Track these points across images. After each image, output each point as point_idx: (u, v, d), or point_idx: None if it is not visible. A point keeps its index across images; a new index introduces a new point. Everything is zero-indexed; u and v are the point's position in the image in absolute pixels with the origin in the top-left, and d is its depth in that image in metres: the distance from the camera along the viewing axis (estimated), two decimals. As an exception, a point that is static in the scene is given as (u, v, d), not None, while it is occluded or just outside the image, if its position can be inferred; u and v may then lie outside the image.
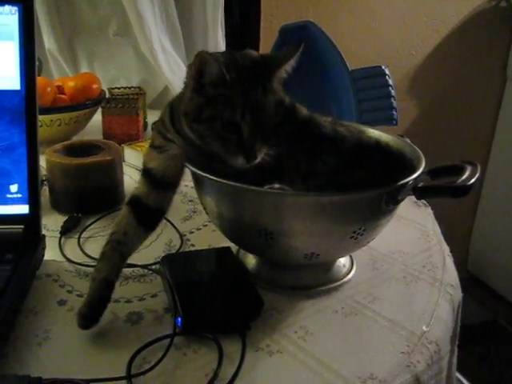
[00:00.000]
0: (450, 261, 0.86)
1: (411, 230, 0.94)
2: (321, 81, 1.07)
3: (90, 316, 0.64)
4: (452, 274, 0.82)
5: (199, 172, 0.67)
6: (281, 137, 0.69)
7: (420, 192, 0.65)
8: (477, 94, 2.23)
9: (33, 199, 0.78)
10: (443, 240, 0.92)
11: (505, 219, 2.34)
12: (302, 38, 1.07)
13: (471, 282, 2.53)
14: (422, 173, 0.70)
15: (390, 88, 1.03)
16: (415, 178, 0.67)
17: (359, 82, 1.03)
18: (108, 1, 1.58)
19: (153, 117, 1.48)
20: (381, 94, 1.03)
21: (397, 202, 0.67)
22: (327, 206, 0.63)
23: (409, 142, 0.83)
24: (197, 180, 0.73)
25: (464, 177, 0.64)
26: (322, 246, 0.68)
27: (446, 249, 0.89)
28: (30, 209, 0.78)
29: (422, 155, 0.73)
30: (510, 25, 2.15)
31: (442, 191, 0.64)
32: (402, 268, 0.82)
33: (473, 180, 0.63)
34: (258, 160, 0.65)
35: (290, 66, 0.67)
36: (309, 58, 1.08)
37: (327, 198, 0.62)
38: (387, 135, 0.81)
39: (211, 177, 0.65)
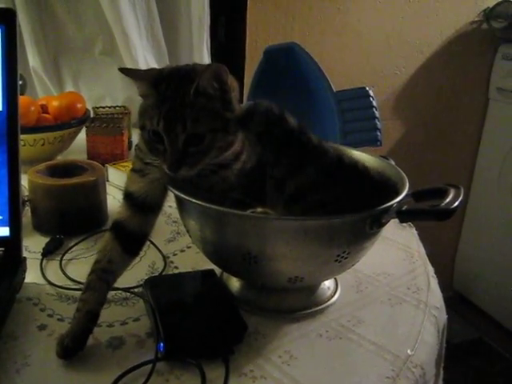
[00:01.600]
0: (434, 282, 0.86)
1: (396, 251, 0.94)
2: (305, 102, 1.07)
3: (72, 348, 0.63)
4: (437, 296, 0.82)
5: (181, 195, 0.67)
6: (266, 146, 0.69)
7: (404, 215, 0.65)
8: (460, 113, 2.25)
9: (14, 221, 0.77)
10: (428, 261, 0.92)
11: (489, 237, 2.35)
12: (287, 59, 1.07)
13: (457, 299, 2.54)
14: (406, 195, 0.70)
15: (374, 109, 1.03)
16: (399, 201, 0.67)
17: (344, 104, 1.03)
18: (94, 19, 1.58)
19: (138, 136, 1.49)
20: (365, 115, 1.04)
21: (381, 225, 0.67)
22: (311, 231, 0.63)
23: (393, 163, 0.83)
24: (179, 202, 0.73)
25: (447, 200, 0.64)
26: (306, 270, 0.68)
27: (431, 270, 0.89)
28: (11, 231, 0.77)
29: (405, 177, 0.73)
30: (492, 46, 2.18)
31: (425, 215, 0.65)
32: (386, 290, 0.82)
33: (456, 203, 0.63)
34: (185, 171, 0.65)
35: (215, 81, 0.66)
36: (293, 79, 1.10)
37: (311, 222, 0.62)
38: (370, 157, 0.82)
39: (194, 200, 0.65)
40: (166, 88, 0.65)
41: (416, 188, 0.71)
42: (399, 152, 2.17)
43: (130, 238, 0.72)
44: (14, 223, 0.77)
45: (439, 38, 2.09)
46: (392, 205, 0.66)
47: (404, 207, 0.66)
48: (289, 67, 1.07)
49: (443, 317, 0.80)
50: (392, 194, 0.70)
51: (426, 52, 2.08)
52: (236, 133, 0.68)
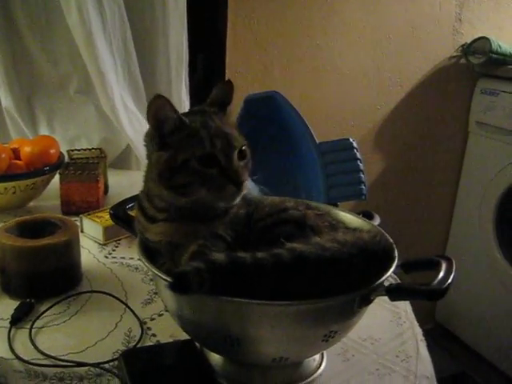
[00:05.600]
0: (423, 347, 0.83)
1: (382, 312, 0.91)
2: (288, 152, 1.04)
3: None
4: (426, 364, 0.79)
5: (158, 273, 0.63)
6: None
7: (394, 294, 0.62)
8: (440, 147, 2.25)
9: (-21, 294, 0.72)
10: (415, 321, 0.89)
11: (471, 269, 2.34)
12: (268, 108, 1.04)
13: (439, 331, 2.52)
14: (396, 266, 0.67)
15: (359, 162, 1.01)
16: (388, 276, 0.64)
17: (327, 156, 1.01)
18: (68, 57, 1.54)
19: (114, 177, 1.45)
20: (349, 168, 1.01)
21: (369, 303, 0.64)
22: (296, 314, 0.59)
23: (378, 221, 0.81)
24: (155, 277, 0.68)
25: (439, 277, 0.62)
26: (291, 351, 0.64)
27: (419, 332, 0.86)
28: (-24, 304, 0.72)
29: (394, 247, 0.70)
30: (470, 80, 2.19)
31: (417, 294, 0.61)
32: (374, 358, 0.78)
33: (448, 281, 0.61)
34: (246, 185, 0.66)
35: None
36: (275, 128, 1.07)
37: (296, 306, 0.58)
38: (358, 220, 0.79)
39: (167, 278, 0.61)
40: (195, 118, 0.68)
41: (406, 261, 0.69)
42: (381, 186, 2.16)
43: None
44: (-20, 296, 0.72)
45: (419, 73, 2.09)
46: (381, 282, 0.63)
47: (394, 284, 0.63)
48: (270, 116, 1.04)
49: (433, 387, 0.77)
50: (380, 260, 0.67)
51: (406, 87, 2.08)
52: None
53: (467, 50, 2.11)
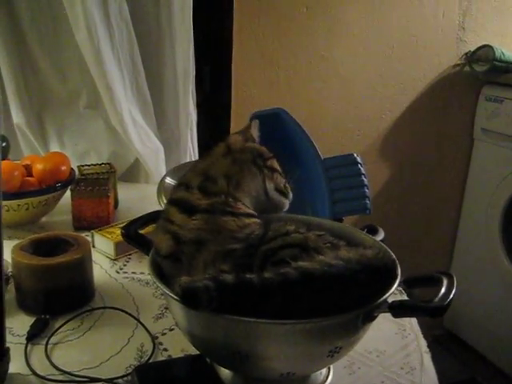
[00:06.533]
0: (427, 359, 0.85)
1: (387, 324, 0.92)
2: (293, 168, 1.06)
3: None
4: (431, 376, 0.81)
5: (167, 292, 0.65)
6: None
7: (397, 311, 0.64)
8: (446, 154, 2.27)
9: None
10: (420, 333, 0.91)
11: (479, 275, 2.35)
12: (273, 125, 1.07)
13: (448, 337, 2.53)
14: (399, 283, 0.69)
15: (363, 177, 1.03)
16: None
17: (331, 171, 1.03)
18: (77, 72, 1.57)
19: (124, 191, 1.48)
20: (353, 183, 1.03)
21: (373, 319, 0.66)
22: (302, 332, 0.61)
23: (382, 236, 0.83)
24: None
25: (440, 294, 0.64)
26: (298, 366, 0.66)
27: (424, 344, 0.88)
28: (-6, 323, 0.75)
29: (397, 263, 0.72)
30: (475, 88, 2.20)
31: (419, 311, 0.64)
32: (379, 371, 0.80)
33: (449, 298, 0.63)
34: None
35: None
36: (280, 145, 1.09)
37: (302, 325, 0.60)
38: (361, 236, 0.81)
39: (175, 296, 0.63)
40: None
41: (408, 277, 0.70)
42: (387, 193, 2.18)
43: None
44: (-3, 315, 0.75)
45: (423, 81, 2.11)
46: (385, 299, 0.65)
47: (396, 301, 0.65)
48: (275, 132, 1.06)
49: (438, 399, 0.79)
50: (383, 276, 0.69)
51: (411, 95, 2.10)
52: None
53: (471, 57, 2.13)
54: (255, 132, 0.86)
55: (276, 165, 0.85)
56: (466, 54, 2.14)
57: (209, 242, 0.72)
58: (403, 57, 2.04)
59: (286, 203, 0.84)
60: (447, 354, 2.40)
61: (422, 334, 0.92)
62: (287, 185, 0.85)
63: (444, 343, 2.46)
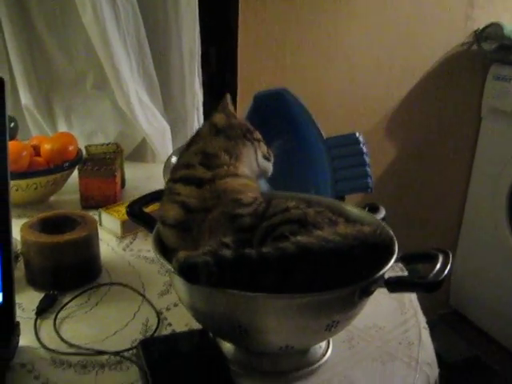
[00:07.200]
0: (426, 334, 0.86)
1: (387, 300, 0.93)
2: (296, 147, 1.07)
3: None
4: (428, 351, 0.82)
5: (170, 267, 0.67)
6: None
7: (393, 286, 0.66)
8: (453, 133, 2.26)
9: (6, 287, 0.78)
10: (419, 309, 0.93)
11: (485, 254, 2.36)
12: (277, 104, 1.08)
13: (453, 316, 2.54)
14: (396, 259, 0.71)
15: (365, 155, 1.04)
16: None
17: (334, 151, 1.04)
18: (84, 53, 1.58)
19: (131, 170, 1.50)
20: (355, 162, 1.04)
21: (369, 294, 0.68)
22: (299, 306, 0.63)
23: (383, 214, 0.84)
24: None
25: (435, 270, 0.65)
26: (296, 340, 0.68)
27: (422, 320, 0.90)
28: (4, 297, 0.78)
29: (394, 240, 0.73)
30: (483, 66, 2.19)
31: (413, 286, 0.65)
32: (378, 345, 0.82)
33: (444, 274, 0.64)
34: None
35: None
36: (283, 124, 1.10)
37: (299, 299, 0.62)
38: (360, 214, 0.82)
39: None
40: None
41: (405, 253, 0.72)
42: (393, 172, 2.18)
43: None
44: (7, 289, 0.78)
45: (430, 60, 2.10)
46: (382, 274, 0.66)
47: (393, 276, 0.67)
48: (278, 112, 1.07)
49: (435, 373, 0.81)
50: (380, 252, 0.70)
51: (418, 74, 2.10)
52: None
53: (480, 35, 2.11)
54: (231, 106, 0.91)
55: (259, 135, 0.89)
56: (475, 31, 2.12)
57: (215, 207, 0.75)
58: (411, 35, 2.03)
59: (271, 167, 0.90)
60: (452, 332, 2.42)
61: (428, 312, 0.93)
62: (269, 150, 0.91)
63: (449, 322, 2.47)
